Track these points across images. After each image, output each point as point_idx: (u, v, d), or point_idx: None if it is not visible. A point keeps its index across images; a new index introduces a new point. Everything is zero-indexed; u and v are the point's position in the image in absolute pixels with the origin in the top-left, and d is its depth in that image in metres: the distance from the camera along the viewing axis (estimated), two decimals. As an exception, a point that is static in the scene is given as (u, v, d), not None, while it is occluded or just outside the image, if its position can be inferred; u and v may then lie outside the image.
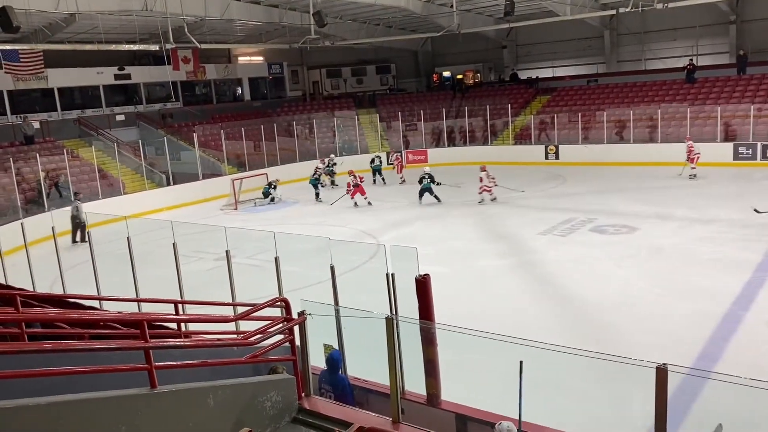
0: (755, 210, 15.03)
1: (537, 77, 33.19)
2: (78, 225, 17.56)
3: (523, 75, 34.41)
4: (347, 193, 20.78)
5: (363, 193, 20.74)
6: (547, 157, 27.18)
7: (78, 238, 17.48)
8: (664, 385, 3.87)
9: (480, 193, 19.62)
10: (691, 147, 20.91)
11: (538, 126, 28.52)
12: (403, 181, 24.48)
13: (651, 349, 7.95)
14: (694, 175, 20.72)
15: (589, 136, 27.06)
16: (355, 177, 20.68)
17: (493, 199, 19.49)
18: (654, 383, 3.89)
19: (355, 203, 20.55)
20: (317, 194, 22.32)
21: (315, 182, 22.71)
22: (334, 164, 25.04)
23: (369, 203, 20.58)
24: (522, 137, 29.05)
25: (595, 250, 13.67)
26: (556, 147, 27.12)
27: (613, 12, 25.49)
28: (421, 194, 20.15)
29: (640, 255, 13.17)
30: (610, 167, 24.56)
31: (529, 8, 27.43)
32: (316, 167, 23.81)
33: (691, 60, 27.87)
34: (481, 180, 19.53)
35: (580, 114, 27.35)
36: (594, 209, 17.40)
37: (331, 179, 24.51)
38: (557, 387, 6.80)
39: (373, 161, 25.35)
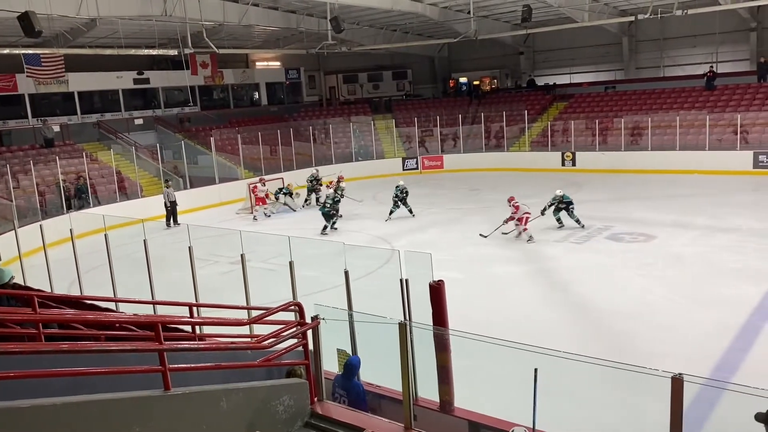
0: None
1: (554, 83, 33.06)
2: (170, 210, 19.94)
3: (540, 81, 34.29)
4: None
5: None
6: (563, 164, 27.04)
7: (171, 222, 19.87)
8: (680, 396, 3.82)
9: (523, 229, 15.71)
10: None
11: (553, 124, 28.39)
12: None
13: (667, 359, 7.86)
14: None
15: (606, 142, 26.89)
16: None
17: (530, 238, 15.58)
18: (669, 393, 3.85)
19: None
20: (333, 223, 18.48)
21: (328, 212, 18.44)
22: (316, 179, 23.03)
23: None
24: (538, 143, 28.93)
25: (612, 258, 13.55)
26: (573, 153, 26.97)
27: (632, 18, 25.34)
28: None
29: (658, 263, 13.03)
30: (628, 174, 24.38)
31: (546, 14, 27.33)
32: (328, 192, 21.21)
33: (711, 67, 27.60)
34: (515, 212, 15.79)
35: (597, 121, 27.19)
36: (611, 216, 17.26)
37: (317, 196, 22.55)
38: (571, 395, 6.74)
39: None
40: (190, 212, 21.49)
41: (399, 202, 19.29)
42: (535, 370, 4.34)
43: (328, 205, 18.14)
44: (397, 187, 19.55)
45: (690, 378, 3.80)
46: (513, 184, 21.61)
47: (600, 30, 29.31)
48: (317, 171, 23.68)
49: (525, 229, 15.58)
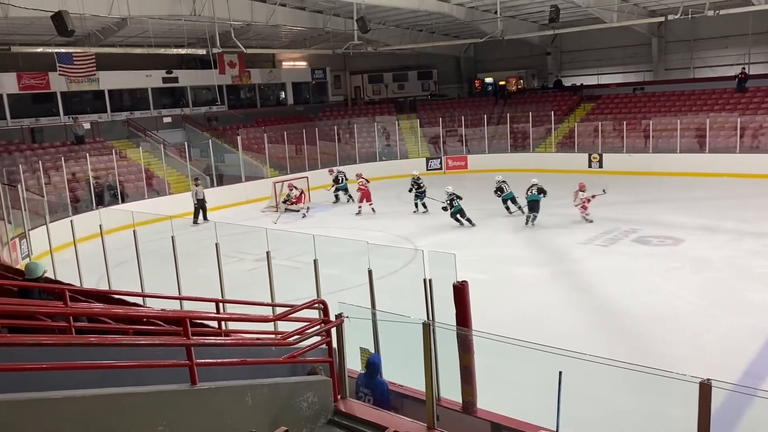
0: None
1: (581, 84, 32.73)
2: (199, 207, 20.33)
3: (568, 82, 33.98)
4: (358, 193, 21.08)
5: (369, 199, 20.76)
6: (590, 166, 26.76)
7: (199, 219, 20.15)
8: (708, 402, 3.77)
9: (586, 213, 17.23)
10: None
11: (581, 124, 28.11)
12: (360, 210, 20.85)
13: (694, 364, 7.75)
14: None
15: (634, 144, 26.55)
16: (363, 181, 20.95)
17: (590, 221, 17.04)
18: (697, 399, 3.79)
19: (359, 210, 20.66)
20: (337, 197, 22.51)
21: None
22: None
23: (373, 210, 20.59)
24: (565, 145, 28.68)
25: (638, 262, 13.39)
26: (600, 155, 26.68)
27: (662, 19, 25.00)
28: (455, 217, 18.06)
29: (686, 267, 12.84)
30: (656, 177, 24.04)
31: (574, 15, 27.08)
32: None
33: (743, 69, 27.07)
34: (587, 203, 17.27)
35: (625, 122, 26.85)
36: (637, 219, 17.05)
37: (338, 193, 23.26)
38: (596, 399, 6.68)
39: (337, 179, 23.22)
40: (216, 210, 21.72)
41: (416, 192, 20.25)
42: (560, 372, 4.32)
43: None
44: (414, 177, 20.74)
45: (718, 384, 3.75)
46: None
47: (629, 30, 28.93)
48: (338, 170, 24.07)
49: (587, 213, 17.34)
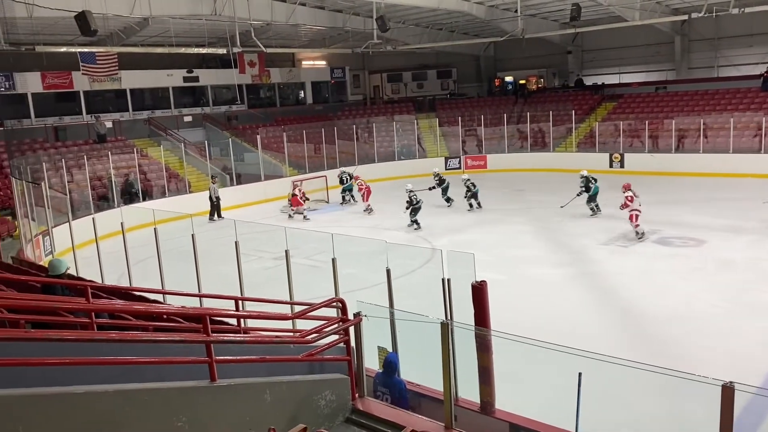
0: None
1: (603, 83, 32.43)
2: (214, 204, 20.66)
3: (589, 81, 33.68)
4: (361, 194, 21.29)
5: (367, 199, 20.96)
6: (611, 165, 26.50)
7: (215, 216, 20.53)
8: (731, 405, 3.72)
9: (631, 219, 15.27)
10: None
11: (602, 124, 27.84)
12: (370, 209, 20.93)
13: (716, 367, 7.64)
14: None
15: (656, 144, 26.24)
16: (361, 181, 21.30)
17: (640, 236, 15.15)
18: (719, 402, 3.74)
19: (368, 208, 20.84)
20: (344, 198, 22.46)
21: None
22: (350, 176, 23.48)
23: (371, 210, 20.74)
24: (586, 144, 28.43)
25: (660, 262, 13.23)
26: (621, 155, 26.41)
27: (685, 17, 24.67)
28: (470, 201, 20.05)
29: (708, 268, 12.67)
30: (678, 177, 23.73)
31: (596, 13, 26.83)
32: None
33: (769, 67, 26.64)
34: (629, 202, 15.30)
35: (647, 122, 26.54)
36: (659, 220, 16.83)
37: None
38: (616, 401, 6.62)
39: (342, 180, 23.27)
40: (235, 208, 21.87)
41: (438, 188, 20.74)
42: (579, 374, 4.29)
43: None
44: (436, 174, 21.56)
45: (741, 387, 3.69)
46: (559, 186, 21.26)
47: (651, 29, 28.60)
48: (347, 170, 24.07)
49: (636, 225, 15.16)
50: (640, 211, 15.18)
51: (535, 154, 28.81)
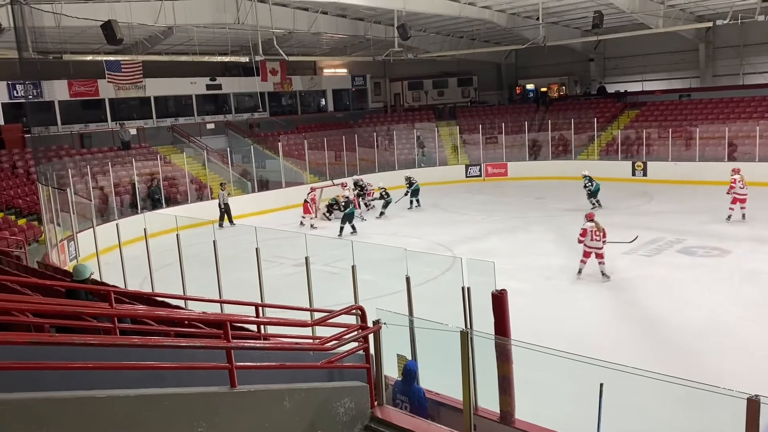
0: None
1: (625, 91, 32.18)
2: (224, 211, 20.94)
3: (611, 88, 33.44)
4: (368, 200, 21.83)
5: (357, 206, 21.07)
6: (634, 174, 26.25)
7: (225, 222, 20.74)
8: (756, 418, 3.65)
9: (732, 203, 17.14)
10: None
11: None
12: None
13: (741, 379, 7.49)
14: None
15: (679, 152, 25.93)
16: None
17: (743, 217, 17.05)
18: (744, 416, 3.68)
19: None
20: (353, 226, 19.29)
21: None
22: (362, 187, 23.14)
23: (362, 219, 20.86)
24: (608, 152, 28.19)
25: (683, 273, 13.05)
26: (644, 163, 26.14)
27: (710, 24, 24.40)
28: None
29: (733, 279, 12.47)
30: (702, 186, 23.40)
31: (618, 20, 26.65)
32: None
33: (796, 74, 26.25)
34: (734, 184, 16.95)
35: (670, 130, 26.25)
36: (683, 229, 16.63)
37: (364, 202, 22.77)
38: (637, 412, 6.53)
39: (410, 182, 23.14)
40: (257, 215, 22.03)
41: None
42: (601, 385, 4.24)
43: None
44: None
45: (767, 400, 3.62)
46: (581, 194, 21.08)
47: (675, 36, 28.32)
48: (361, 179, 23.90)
49: (742, 208, 17.02)
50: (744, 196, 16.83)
51: (557, 162, 28.63)
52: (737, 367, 8.42)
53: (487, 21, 26.45)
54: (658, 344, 9.60)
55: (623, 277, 13.07)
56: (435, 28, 29.64)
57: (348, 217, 18.92)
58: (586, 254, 12.86)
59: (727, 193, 17.28)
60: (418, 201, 22.68)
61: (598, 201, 20.39)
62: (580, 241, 12.96)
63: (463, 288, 6.26)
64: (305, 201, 21.12)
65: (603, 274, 12.71)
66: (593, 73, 34.80)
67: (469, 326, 6.10)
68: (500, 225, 19.08)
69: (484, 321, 5.96)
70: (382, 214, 21.45)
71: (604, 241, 12.69)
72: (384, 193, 21.52)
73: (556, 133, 29.56)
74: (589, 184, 20.60)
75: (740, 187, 16.87)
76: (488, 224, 19.29)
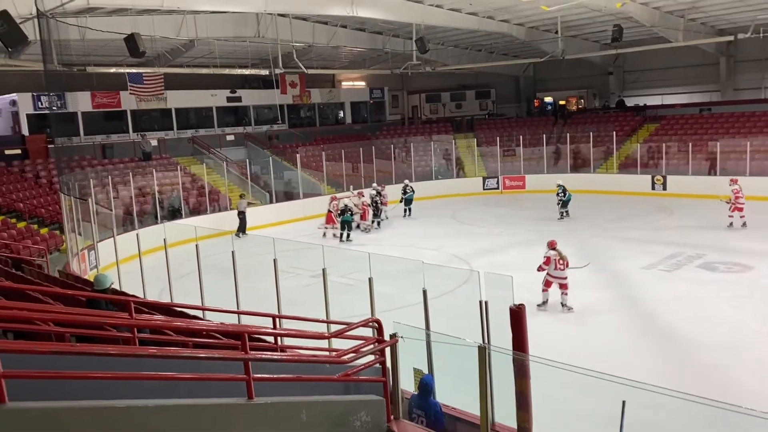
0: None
1: (645, 104, 31.96)
2: (243, 221, 21.13)
3: (630, 102, 33.25)
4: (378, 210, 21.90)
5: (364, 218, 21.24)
6: (653, 188, 26.00)
7: (240, 232, 20.79)
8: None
9: (731, 211, 18.12)
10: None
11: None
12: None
13: (760, 397, 7.37)
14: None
15: (700, 166, 25.65)
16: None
17: (743, 225, 18.02)
18: (768, 436, 3.61)
19: (359, 226, 20.94)
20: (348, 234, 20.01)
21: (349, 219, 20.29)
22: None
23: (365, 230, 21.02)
24: (627, 166, 27.98)
25: (704, 288, 12.87)
26: (664, 177, 25.89)
27: (731, 38, 24.20)
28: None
29: (755, 295, 12.27)
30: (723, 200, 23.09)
31: (638, 34, 26.54)
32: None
33: (819, 88, 25.92)
34: (736, 194, 17.95)
35: (690, 144, 26.00)
36: (704, 244, 16.42)
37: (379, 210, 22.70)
38: (656, 431, 6.43)
39: (405, 191, 23.94)
40: (274, 226, 22.12)
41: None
42: (623, 402, 4.19)
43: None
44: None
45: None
46: (599, 207, 20.95)
47: (695, 50, 28.13)
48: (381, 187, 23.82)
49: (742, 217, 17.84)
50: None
51: (575, 175, 28.44)
52: (760, 384, 8.27)
53: (505, 34, 26.49)
54: (680, 361, 9.46)
55: (643, 291, 12.92)
56: (453, 42, 29.73)
57: (344, 224, 19.65)
58: (548, 283, 12.01)
59: (729, 202, 17.95)
60: (410, 210, 23.75)
61: (566, 211, 21.09)
62: (541, 269, 12.13)
63: (480, 302, 6.23)
64: (329, 211, 21.19)
65: (563, 305, 11.83)
66: (612, 86, 34.65)
67: (486, 341, 6.06)
68: (518, 238, 18.97)
69: (501, 335, 5.92)
70: (406, 212, 23.40)
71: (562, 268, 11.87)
72: (408, 188, 23.72)
73: (575, 146, 29.39)
74: (562, 194, 21.24)
75: (740, 197, 17.77)
76: (506, 237, 19.20)
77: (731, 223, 18.08)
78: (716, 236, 17.53)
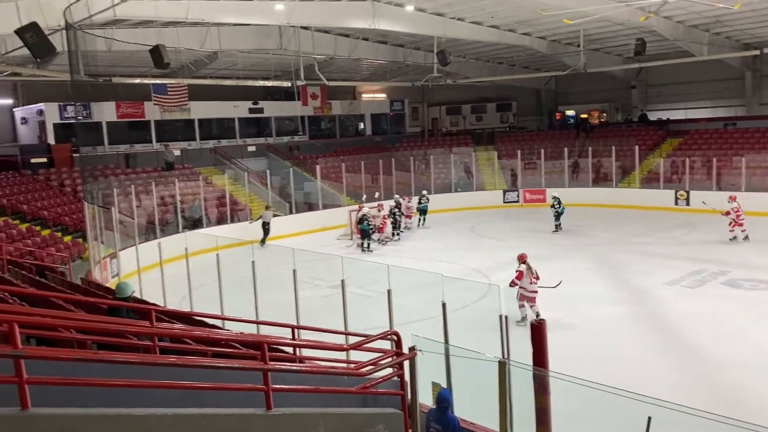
0: None
1: (668, 119, 31.66)
2: (265, 230, 21.36)
3: (653, 116, 32.96)
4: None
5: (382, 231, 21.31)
6: (676, 203, 25.66)
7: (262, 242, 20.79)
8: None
9: (732, 227, 18.52)
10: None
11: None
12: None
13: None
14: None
15: (724, 182, 25.26)
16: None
17: (746, 238, 18.37)
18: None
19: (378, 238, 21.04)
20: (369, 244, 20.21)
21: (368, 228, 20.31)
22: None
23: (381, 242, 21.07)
24: (650, 180, 27.66)
25: (728, 305, 12.64)
26: (687, 192, 25.54)
27: (757, 52, 23.93)
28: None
29: (781, 314, 12.03)
30: (748, 216, 22.71)
31: (661, 47, 26.35)
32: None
33: None
34: (736, 212, 18.38)
35: (715, 159, 25.65)
36: (728, 261, 16.15)
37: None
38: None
39: (420, 201, 24.25)
40: (294, 236, 22.21)
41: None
42: (649, 418, 4.12)
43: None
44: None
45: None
46: (621, 222, 20.73)
47: (719, 64, 27.82)
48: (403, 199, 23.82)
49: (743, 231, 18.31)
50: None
51: (597, 189, 28.20)
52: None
53: (527, 47, 26.47)
54: (702, 379, 9.29)
55: (666, 308, 12.74)
56: (474, 54, 29.76)
57: (363, 233, 20.00)
58: (523, 297, 11.71)
59: (728, 215, 18.40)
60: (424, 219, 24.07)
61: (559, 224, 21.32)
62: (513, 284, 11.80)
63: (500, 316, 6.19)
64: (357, 222, 21.26)
65: (537, 316, 11.11)
66: (635, 100, 34.38)
67: (506, 356, 6.02)
68: (538, 252, 18.75)
69: (521, 350, 5.87)
70: (420, 221, 23.91)
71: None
72: (424, 198, 24.02)
73: (596, 160, 29.15)
74: (557, 205, 21.53)
75: (740, 214, 18.24)
76: (526, 251, 18.97)
77: (734, 237, 18.43)
78: (740, 253, 17.25)
